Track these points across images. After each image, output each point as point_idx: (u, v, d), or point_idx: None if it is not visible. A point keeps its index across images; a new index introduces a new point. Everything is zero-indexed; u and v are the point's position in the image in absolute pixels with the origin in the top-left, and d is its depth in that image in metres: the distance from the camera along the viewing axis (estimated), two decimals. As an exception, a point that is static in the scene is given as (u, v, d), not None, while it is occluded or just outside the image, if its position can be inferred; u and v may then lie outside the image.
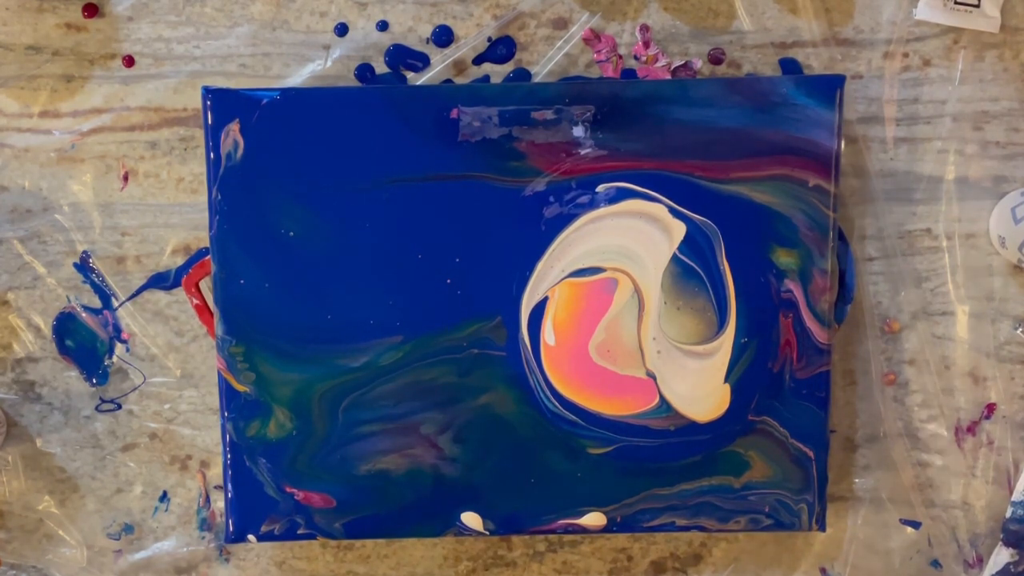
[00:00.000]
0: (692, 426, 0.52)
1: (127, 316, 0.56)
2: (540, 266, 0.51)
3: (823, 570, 0.57)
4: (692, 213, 0.51)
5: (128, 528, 0.57)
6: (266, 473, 0.52)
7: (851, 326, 0.55)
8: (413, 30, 0.54)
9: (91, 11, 0.54)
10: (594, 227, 0.51)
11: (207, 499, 0.57)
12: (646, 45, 0.54)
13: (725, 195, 0.51)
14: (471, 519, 0.53)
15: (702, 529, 0.53)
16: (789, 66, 0.54)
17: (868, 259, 0.55)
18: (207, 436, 0.56)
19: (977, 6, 0.53)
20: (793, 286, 0.51)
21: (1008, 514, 0.56)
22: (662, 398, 0.52)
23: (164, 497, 0.57)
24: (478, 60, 0.54)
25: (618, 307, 0.52)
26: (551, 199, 0.51)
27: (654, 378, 0.52)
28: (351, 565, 0.57)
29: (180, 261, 0.55)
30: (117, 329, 0.56)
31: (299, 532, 0.53)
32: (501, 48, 0.54)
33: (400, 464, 0.52)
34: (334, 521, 0.53)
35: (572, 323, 0.52)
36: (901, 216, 0.55)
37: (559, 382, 0.52)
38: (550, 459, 0.52)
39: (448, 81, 0.54)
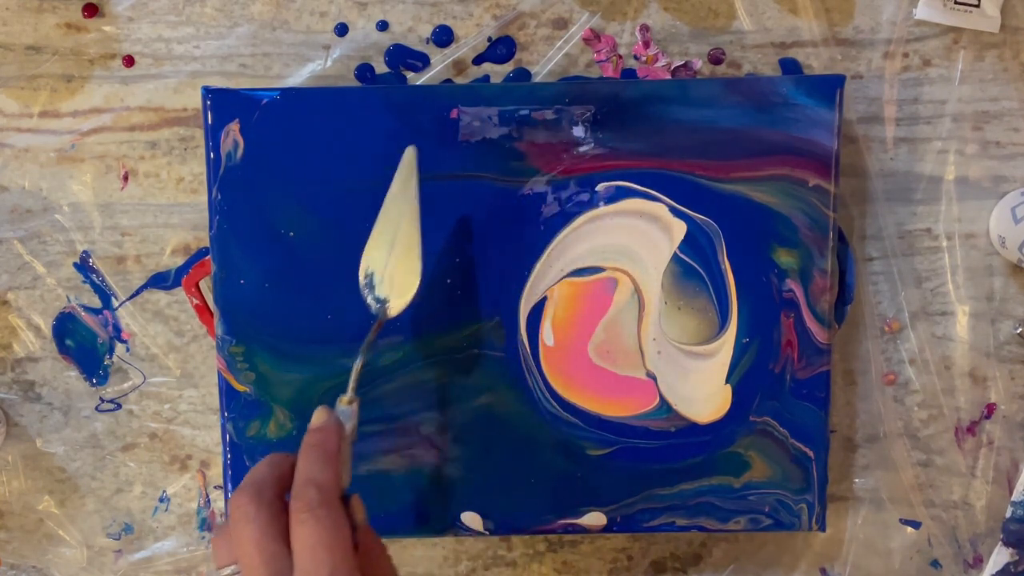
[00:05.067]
0: (692, 427, 0.52)
1: (127, 316, 0.56)
2: (539, 266, 0.51)
3: (823, 570, 0.57)
4: (693, 212, 0.51)
5: (128, 528, 0.57)
6: (266, 473, 0.52)
7: (851, 326, 0.55)
8: (413, 30, 0.54)
9: (91, 11, 0.54)
10: (594, 226, 0.51)
11: (207, 499, 0.57)
12: (646, 45, 0.54)
13: (726, 195, 0.51)
14: (471, 519, 0.53)
15: (702, 529, 0.53)
16: (789, 66, 0.54)
17: (868, 259, 0.55)
18: (207, 436, 0.56)
19: (977, 6, 0.53)
20: (794, 286, 0.51)
21: (1008, 514, 0.56)
22: (662, 399, 0.52)
23: (164, 497, 0.57)
24: (478, 60, 0.54)
25: (618, 307, 0.52)
26: (551, 198, 0.51)
27: (654, 379, 0.52)
28: (351, 565, 0.57)
29: (180, 261, 0.55)
30: (117, 329, 0.56)
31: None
32: (501, 48, 0.54)
33: (400, 464, 0.52)
34: (334, 521, 0.53)
35: (571, 323, 0.52)
36: (901, 216, 0.55)
37: (558, 383, 0.52)
38: (550, 460, 0.52)
39: (448, 81, 0.54)
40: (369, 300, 0.48)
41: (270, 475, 0.43)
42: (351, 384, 0.46)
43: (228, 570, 0.42)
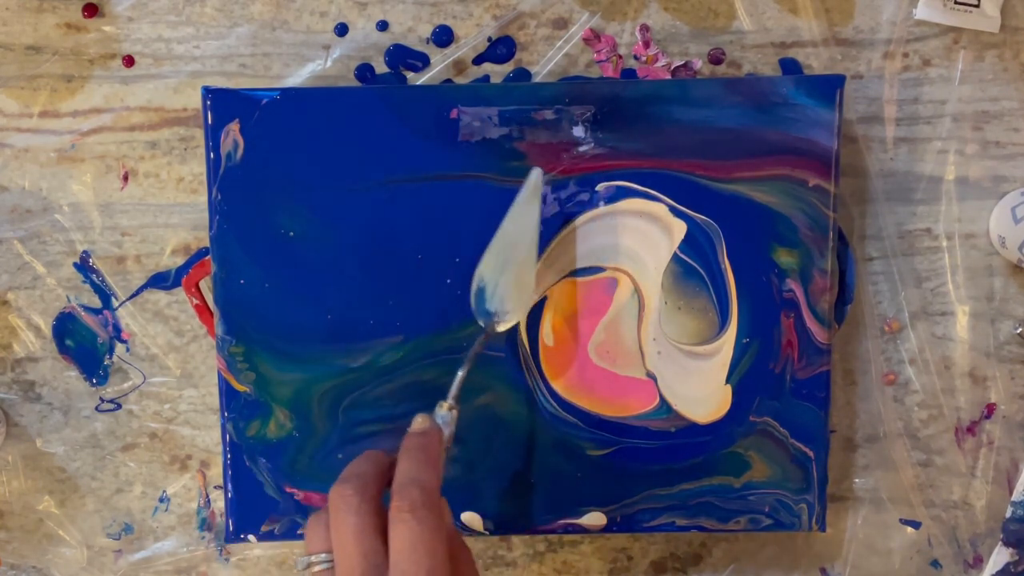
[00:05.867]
0: (692, 427, 0.52)
1: (127, 316, 0.56)
2: (539, 265, 0.51)
3: (823, 570, 0.57)
4: (693, 212, 0.51)
5: (128, 528, 0.57)
6: (266, 473, 0.53)
7: (851, 326, 0.55)
8: (413, 30, 0.54)
9: (91, 11, 0.54)
10: (594, 226, 0.51)
11: (207, 499, 0.57)
12: (646, 45, 0.54)
13: (726, 194, 0.51)
14: (471, 519, 0.53)
15: (702, 529, 0.53)
16: (789, 66, 0.54)
17: (868, 259, 0.55)
18: (207, 436, 0.56)
19: (977, 6, 0.53)
20: (794, 286, 0.51)
21: (1008, 514, 0.56)
22: (662, 399, 0.52)
23: (164, 497, 0.57)
24: (478, 60, 0.54)
25: (618, 307, 0.52)
26: (551, 198, 0.51)
27: (654, 379, 0.52)
28: (351, 565, 0.57)
29: (180, 261, 0.55)
30: (117, 329, 0.56)
31: (299, 532, 0.53)
32: (501, 48, 0.54)
33: (400, 464, 0.52)
34: (334, 521, 0.53)
35: (571, 323, 0.52)
36: (901, 216, 0.55)
37: (558, 384, 0.52)
38: (550, 460, 0.52)
39: (448, 81, 0.54)
40: (478, 312, 0.49)
41: (373, 471, 0.43)
42: (453, 391, 0.48)
43: (319, 558, 0.42)
